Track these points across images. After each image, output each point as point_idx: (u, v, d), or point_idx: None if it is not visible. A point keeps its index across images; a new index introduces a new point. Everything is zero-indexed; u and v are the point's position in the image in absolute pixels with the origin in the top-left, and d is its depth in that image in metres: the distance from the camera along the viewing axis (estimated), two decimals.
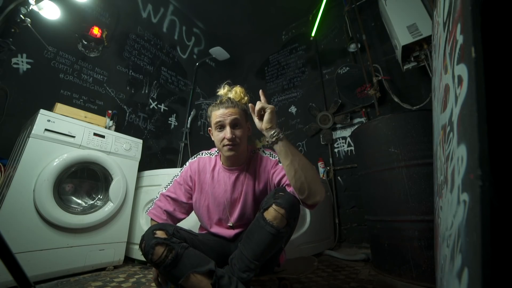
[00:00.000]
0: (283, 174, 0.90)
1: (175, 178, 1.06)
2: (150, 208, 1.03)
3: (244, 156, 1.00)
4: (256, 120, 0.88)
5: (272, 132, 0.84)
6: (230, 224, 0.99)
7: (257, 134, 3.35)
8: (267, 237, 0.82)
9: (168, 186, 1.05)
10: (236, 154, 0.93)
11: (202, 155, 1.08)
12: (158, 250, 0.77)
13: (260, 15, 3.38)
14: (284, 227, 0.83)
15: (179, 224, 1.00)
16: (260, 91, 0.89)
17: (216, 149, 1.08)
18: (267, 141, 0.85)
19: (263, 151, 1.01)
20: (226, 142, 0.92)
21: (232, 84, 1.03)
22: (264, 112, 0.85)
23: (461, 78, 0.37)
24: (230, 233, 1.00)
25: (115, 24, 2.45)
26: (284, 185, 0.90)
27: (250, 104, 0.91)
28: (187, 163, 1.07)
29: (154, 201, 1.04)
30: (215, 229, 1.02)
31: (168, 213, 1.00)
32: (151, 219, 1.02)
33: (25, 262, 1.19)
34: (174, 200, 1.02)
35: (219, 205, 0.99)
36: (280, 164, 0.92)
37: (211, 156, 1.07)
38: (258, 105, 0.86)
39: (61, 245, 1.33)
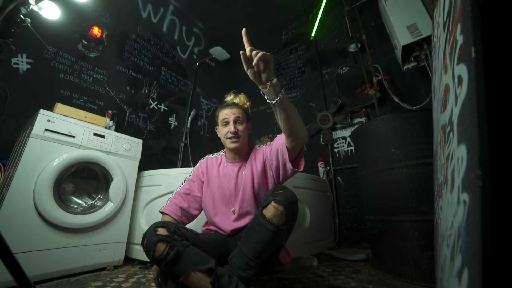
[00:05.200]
0: (270, 147, 1.05)
1: (187, 177, 1.18)
2: (164, 206, 1.09)
3: (245, 151, 1.14)
4: (250, 72, 0.80)
5: (274, 84, 0.79)
6: (232, 209, 1.05)
7: (256, 134, 3.36)
8: (266, 235, 0.83)
9: (182, 185, 1.16)
10: (238, 146, 1.08)
11: (210, 155, 1.24)
12: (159, 247, 0.78)
13: (260, 15, 3.38)
14: (283, 224, 0.85)
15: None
16: (243, 31, 0.80)
17: (222, 150, 1.22)
18: (269, 97, 0.82)
19: (258, 146, 1.16)
20: (229, 135, 1.07)
21: (237, 93, 1.20)
22: (267, 62, 0.77)
23: (461, 78, 0.37)
24: (229, 226, 1.03)
25: (115, 24, 2.45)
26: (278, 148, 0.99)
27: (241, 52, 0.79)
28: (198, 163, 1.22)
29: (169, 199, 1.11)
30: (218, 218, 1.06)
31: (183, 210, 1.07)
32: (164, 214, 1.06)
33: (25, 262, 1.19)
34: (189, 195, 1.11)
35: (225, 195, 1.08)
36: (263, 147, 1.09)
37: (217, 155, 1.22)
38: (258, 53, 0.75)
39: (61, 245, 1.33)
